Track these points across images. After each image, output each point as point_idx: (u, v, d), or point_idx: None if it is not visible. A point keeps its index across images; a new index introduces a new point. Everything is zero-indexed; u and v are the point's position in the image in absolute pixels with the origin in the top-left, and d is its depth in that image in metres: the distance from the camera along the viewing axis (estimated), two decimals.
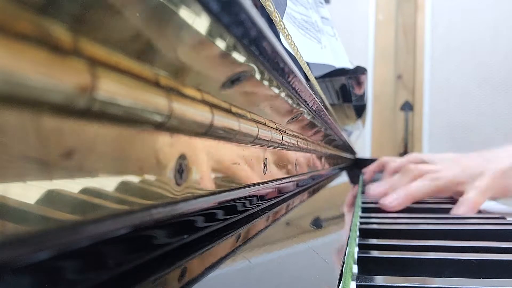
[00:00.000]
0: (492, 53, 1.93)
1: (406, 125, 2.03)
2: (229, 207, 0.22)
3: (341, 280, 0.24)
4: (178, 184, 0.15)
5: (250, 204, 0.27)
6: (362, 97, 0.72)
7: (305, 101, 0.30)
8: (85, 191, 0.10)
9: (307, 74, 0.37)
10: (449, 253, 0.31)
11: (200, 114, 0.15)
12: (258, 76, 0.20)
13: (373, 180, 0.92)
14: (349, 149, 1.04)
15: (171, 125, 0.13)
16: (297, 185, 0.44)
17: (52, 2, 0.08)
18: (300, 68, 0.34)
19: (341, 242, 0.31)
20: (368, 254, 0.31)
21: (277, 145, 0.29)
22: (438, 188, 0.57)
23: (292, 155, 0.37)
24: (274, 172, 0.30)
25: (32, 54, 0.08)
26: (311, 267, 0.24)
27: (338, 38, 0.63)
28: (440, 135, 1.97)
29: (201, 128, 0.16)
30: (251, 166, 0.24)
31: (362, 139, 1.94)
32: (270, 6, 0.25)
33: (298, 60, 0.33)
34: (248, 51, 0.17)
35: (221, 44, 0.15)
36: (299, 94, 0.27)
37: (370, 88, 2.03)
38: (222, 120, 0.17)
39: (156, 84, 0.12)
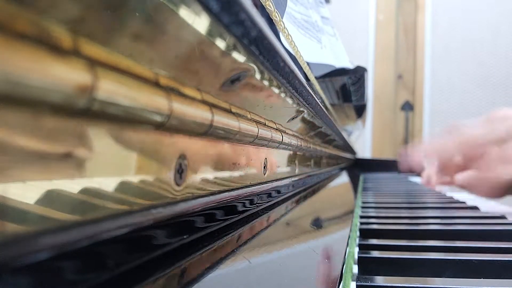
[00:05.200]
0: (492, 53, 1.93)
1: (406, 125, 2.03)
2: (229, 207, 0.22)
3: (341, 280, 0.24)
4: (178, 184, 0.15)
5: (250, 204, 0.27)
6: (362, 97, 0.72)
7: (305, 101, 0.30)
8: (84, 191, 0.10)
9: (307, 74, 0.37)
10: (450, 253, 0.31)
11: (200, 114, 0.15)
12: (258, 76, 0.20)
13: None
14: (349, 149, 1.04)
15: (171, 125, 0.13)
16: (297, 185, 0.44)
17: (52, 2, 0.08)
18: (300, 68, 0.34)
19: (341, 242, 0.31)
20: (368, 255, 0.31)
21: (277, 145, 0.29)
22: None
23: (292, 155, 0.37)
24: (274, 172, 0.30)
25: (32, 54, 0.08)
26: (311, 267, 0.24)
27: (338, 38, 0.63)
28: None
29: (201, 128, 0.16)
30: (251, 166, 0.24)
31: (362, 139, 1.94)
32: (270, 6, 0.25)
33: (298, 60, 0.33)
34: (248, 51, 0.17)
35: (221, 44, 0.15)
36: (299, 94, 0.27)
37: (371, 88, 2.03)
38: (222, 120, 0.17)
39: (156, 84, 0.12)
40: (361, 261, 0.30)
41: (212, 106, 0.16)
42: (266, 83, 0.22)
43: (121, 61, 0.11)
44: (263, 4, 0.24)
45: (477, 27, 1.94)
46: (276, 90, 0.24)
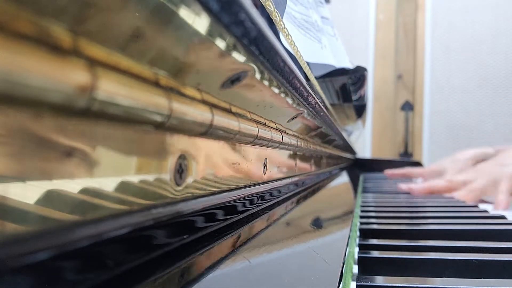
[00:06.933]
0: (492, 53, 1.92)
1: (406, 125, 2.03)
2: (229, 207, 0.22)
3: (341, 280, 0.24)
4: (178, 184, 0.15)
5: (250, 204, 0.27)
6: (362, 97, 0.72)
7: (305, 101, 0.30)
8: (84, 191, 0.10)
9: (307, 74, 0.37)
10: (450, 253, 0.31)
11: (200, 114, 0.15)
12: (258, 76, 0.20)
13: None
14: (349, 149, 1.04)
15: (171, 125, 0.13)
16: (297, 185, 0.44)
17: (52, 2, 0.08)
18: (300, 68, 0.34)
19: (341, 243, 0.31)
20: (368, 254, 0.31)
21: (277, 145, 0.29)
22: (475, 198, 0.73)
23: (292, 155, 0.37)
24: (274, 172, 0.30)
25: (32, 54, 0.08)
26: (311, 267, 0.24)
27: (338, 38, 0.63)
28: (440, 135, 1.97)
29: (201, 128, 0.16)
30: (251, 166, 0.24)
31: (362, 139, 1.94)
32: (270, 6, 0.25)
33: (298, 60, 0.33)
34: (248, 51, 0.17)
35: (221, 43, 0.15)
36: (299, 94, 0.27)
37: (370, 88, 2.03)
38: (222, 120, 0.17)
39: (156, 84, 0.12)
40: (361, 261, 0.30)
41: (212, 106, 0.16)
42: (266, 83, 0.22)
43: (121, 61, 0.11)
44: (263, 4, 0.24)
45: (477, 27, 1.94)
46: (276, 90, 0.24)
